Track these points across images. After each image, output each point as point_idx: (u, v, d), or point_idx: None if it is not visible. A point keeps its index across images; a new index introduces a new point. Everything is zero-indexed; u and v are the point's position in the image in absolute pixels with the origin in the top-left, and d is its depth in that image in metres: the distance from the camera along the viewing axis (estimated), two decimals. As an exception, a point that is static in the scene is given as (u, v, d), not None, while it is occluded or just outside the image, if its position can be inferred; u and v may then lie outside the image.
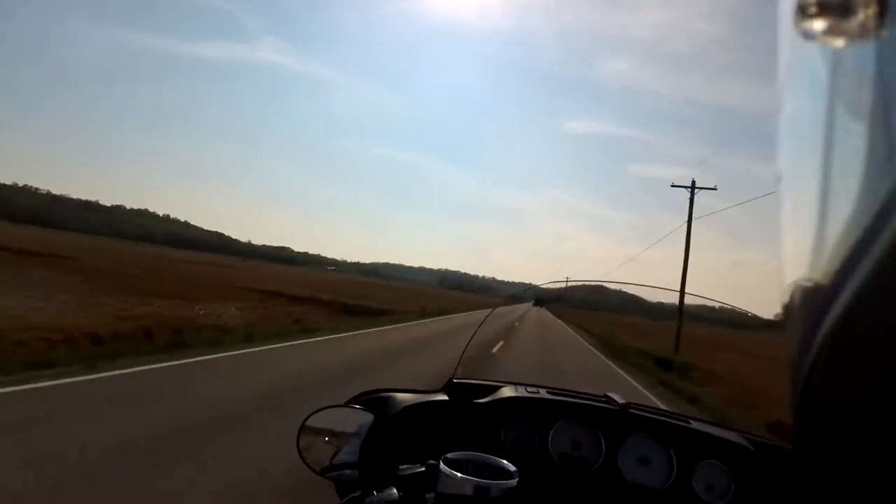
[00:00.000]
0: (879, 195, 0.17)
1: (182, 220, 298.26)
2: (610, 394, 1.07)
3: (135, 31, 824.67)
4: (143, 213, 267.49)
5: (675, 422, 1.03)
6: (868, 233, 0.17)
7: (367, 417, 0.93)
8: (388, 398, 1.04)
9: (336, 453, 0.92)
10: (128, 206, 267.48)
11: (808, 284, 0.20)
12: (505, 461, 0.71)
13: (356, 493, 0.70)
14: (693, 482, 0.94)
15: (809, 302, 0.20)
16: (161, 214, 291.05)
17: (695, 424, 1.04)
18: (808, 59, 0.22)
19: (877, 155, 0.18)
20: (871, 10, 0.18)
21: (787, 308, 0.22)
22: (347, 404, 1.00)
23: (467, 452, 0.72)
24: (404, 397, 1.05)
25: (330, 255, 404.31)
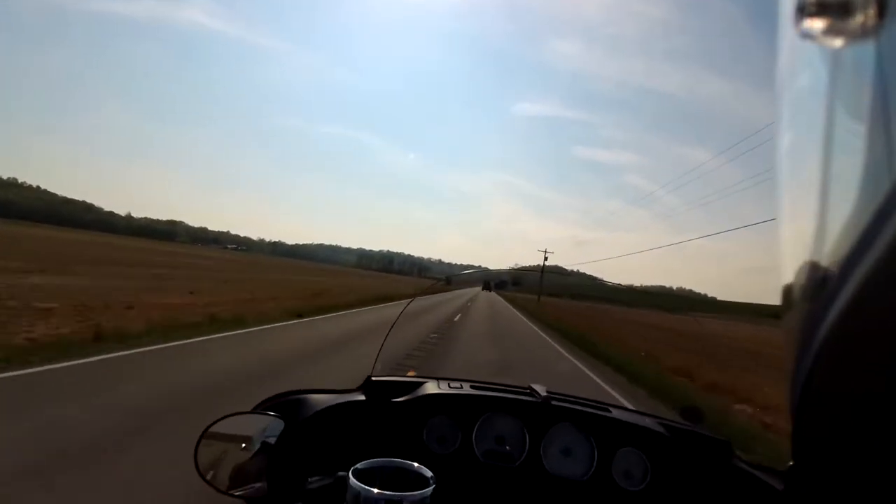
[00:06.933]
0: (879, 195, 0.17)
1: (34, 185, 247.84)
2: (534, 385, 1.07)
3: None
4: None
5: (595, 411, 1.03)
6: (868, 233, 0.17)
7: (276, 424, 0.84)
8: (301, 401, 0.98)
9: (243, 466, 0.82)
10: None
11: (808, 284, 0.20)
12: (420, 466, 0.66)
13: None
14: (612, 470, 0.97)
15: (809, 302, 0.20)
16: (6, 178, 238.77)
17: (615, 413, 1.06)
18: (807, 59, 0.21)
19: (877, 155, 0.18)
20: (871, 10, 0.18)
21: (787, 308, 0.22)
22: (255, 410, 0.91)
23: (379, 459, 0.66)
24: (319, 398, 0.99)
25: (243, 234, 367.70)
